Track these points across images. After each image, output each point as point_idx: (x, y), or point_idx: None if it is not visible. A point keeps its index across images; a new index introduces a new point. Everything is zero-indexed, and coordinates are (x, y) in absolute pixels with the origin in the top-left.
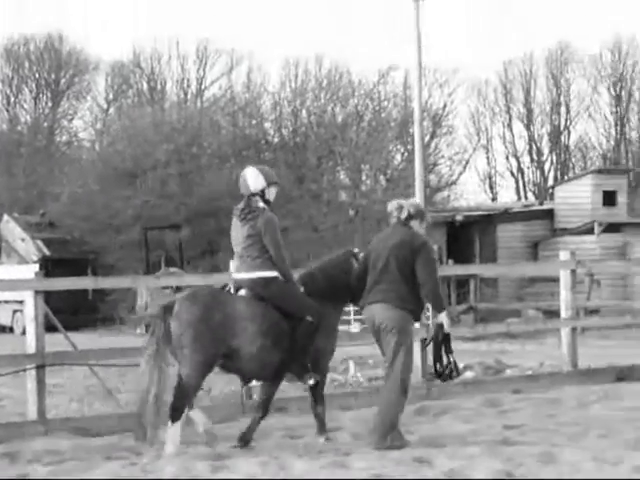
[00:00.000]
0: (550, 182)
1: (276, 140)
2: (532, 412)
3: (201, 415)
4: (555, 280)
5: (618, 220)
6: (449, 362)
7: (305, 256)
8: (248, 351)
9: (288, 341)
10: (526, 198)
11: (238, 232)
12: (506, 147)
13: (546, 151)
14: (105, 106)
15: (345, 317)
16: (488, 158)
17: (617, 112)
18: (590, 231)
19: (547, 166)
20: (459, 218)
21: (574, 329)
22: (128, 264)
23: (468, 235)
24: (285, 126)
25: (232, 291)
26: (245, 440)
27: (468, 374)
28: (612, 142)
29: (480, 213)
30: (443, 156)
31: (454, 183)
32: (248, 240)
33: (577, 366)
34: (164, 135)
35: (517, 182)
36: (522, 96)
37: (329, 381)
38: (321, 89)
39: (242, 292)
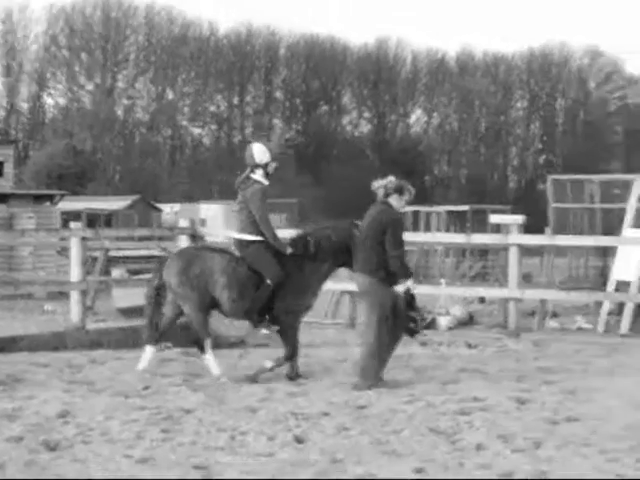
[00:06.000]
0: None
1: None
2: None
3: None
4: None
5: (4, 191)
6: (419, 317)
7: None
8: (222, 300)
9: (252, 295)
10: None
11: (237, 198)
12: None
13: None
14: None
15: None
16: None
17: (8, 82)
18: None
19: None
20: None
21: None
22: None
23: None
24: None
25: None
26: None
27: None
28: (3, 112)
29: None
30: None
31: None
32: (239, 205)
33: None
34: None
35: None
36: None
37: None
38: None
39: (233, 248)
